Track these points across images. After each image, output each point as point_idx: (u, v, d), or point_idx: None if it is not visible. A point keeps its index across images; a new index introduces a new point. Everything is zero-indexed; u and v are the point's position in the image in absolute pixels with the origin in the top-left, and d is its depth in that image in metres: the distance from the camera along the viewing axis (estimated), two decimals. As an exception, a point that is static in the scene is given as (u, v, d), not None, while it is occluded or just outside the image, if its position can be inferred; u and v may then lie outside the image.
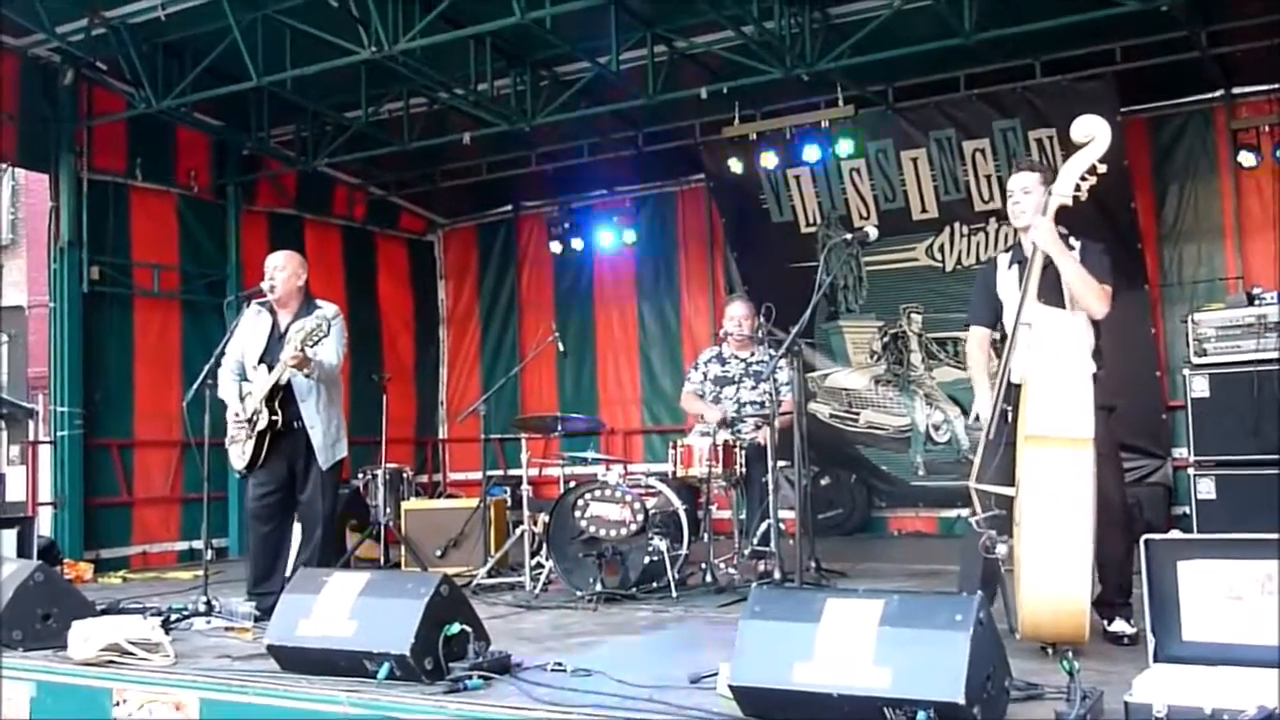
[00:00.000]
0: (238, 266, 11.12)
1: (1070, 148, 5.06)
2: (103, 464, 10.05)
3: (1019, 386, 4.88)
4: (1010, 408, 4.91)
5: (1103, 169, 4.99)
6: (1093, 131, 4.94)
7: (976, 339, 5.49)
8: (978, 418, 5.21)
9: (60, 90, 9.88)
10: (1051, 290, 4.97)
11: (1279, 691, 3.23)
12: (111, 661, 4.98)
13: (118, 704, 4.75)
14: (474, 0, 8.10)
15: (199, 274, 10.97)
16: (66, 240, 9.88)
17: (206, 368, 6.59)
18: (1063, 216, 5.11)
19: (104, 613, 5.92)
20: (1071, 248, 5.09)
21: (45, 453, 9.76)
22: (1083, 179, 4.98)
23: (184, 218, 10.92)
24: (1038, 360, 4.79)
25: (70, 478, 9.68)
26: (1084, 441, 4.65)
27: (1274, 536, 3.76)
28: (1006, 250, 5.50)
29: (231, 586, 7.18)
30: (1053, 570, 4.49)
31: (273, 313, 6.69)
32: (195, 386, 6.55)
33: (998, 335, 5.39)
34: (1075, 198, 4.98)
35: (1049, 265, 4.96)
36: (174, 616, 6.21)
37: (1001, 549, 4.68)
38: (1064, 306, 4.95)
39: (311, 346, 6.24)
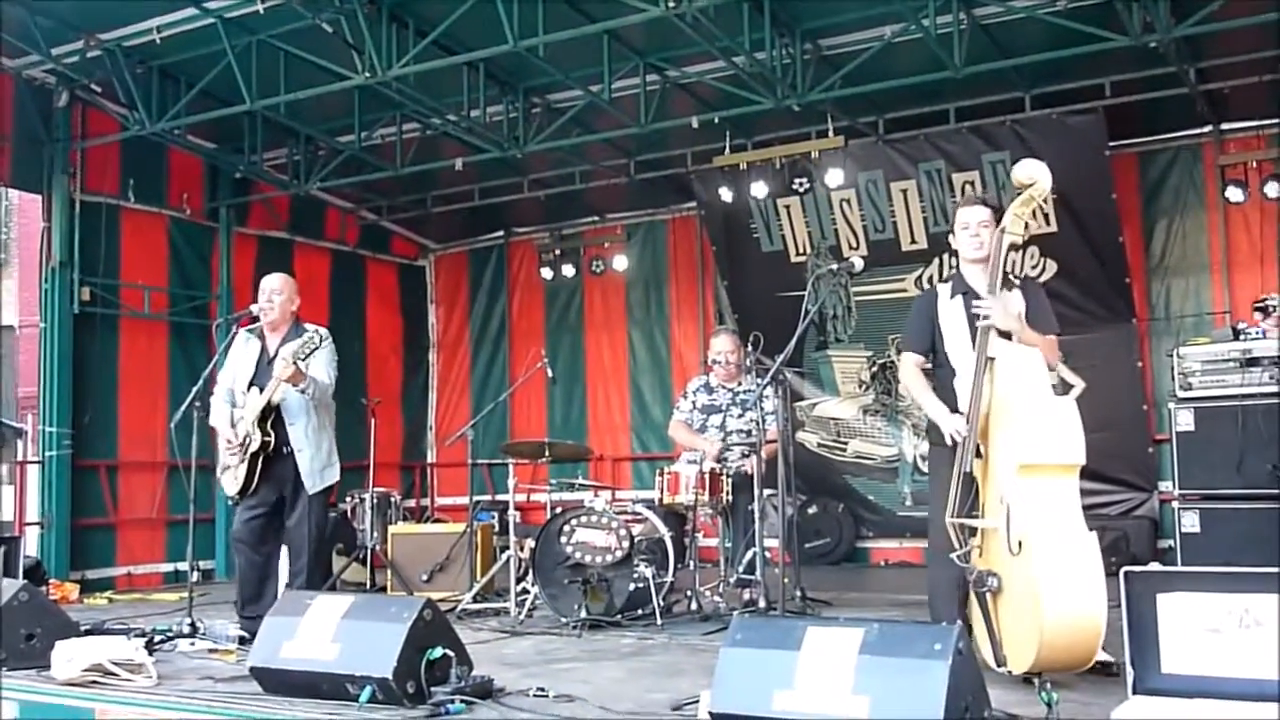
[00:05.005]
0: (228, 289, 11.14)
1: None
2: (90, 485, 10.00)
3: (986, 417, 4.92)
4: (979, 441, 4.93)
5: (1049, 208, 5.10)
6: (1035, 175, 5.10)
7: (912, 363, 5.46)
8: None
9: (54, 112, 9.90)
10: None
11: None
12: (95, 682, 4.99)
13: (100, 724, 4.75)
14: (467, 28, 8.14)
15: (187, 296, 10.97)
16: (58, 261, 9.88)
17: (194, 390, 6.59)
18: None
19: (88, 633, 5.90)
20: (1012, 286, 5.18)
21: (33, 473, 9.73)
22: (1031, 218, 5.15)
23: (174, 239, 10.93)
24: (1011, 391, 4.82)
25: (57, 498, 9.63)
26: (1075, 467, 4.74)
27: (1252, 570, 3.79)
28: (945, 280, 5.54)
29: (217, 608, 7.19)
30: (1074, 592, 4.48)
31: (261, 338, 6.74)
32: (183, 409, 6.56)
33: (929, 364, 5.42)
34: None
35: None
36: (158, 638, 6.20)
37: (993, 581, 4.69)
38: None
39: (303, 360, 6.27)
